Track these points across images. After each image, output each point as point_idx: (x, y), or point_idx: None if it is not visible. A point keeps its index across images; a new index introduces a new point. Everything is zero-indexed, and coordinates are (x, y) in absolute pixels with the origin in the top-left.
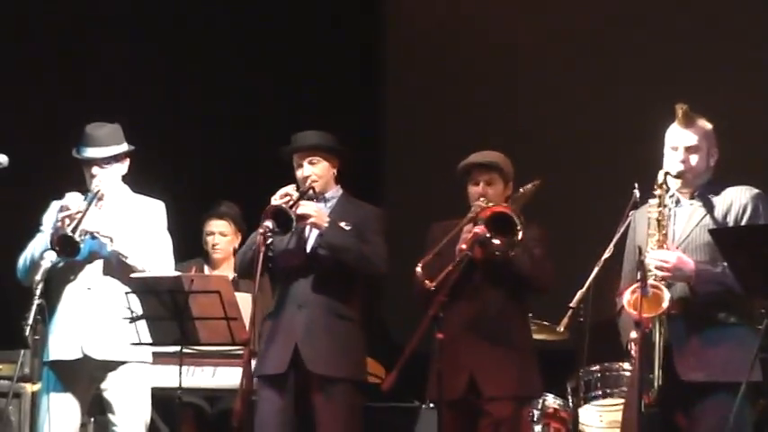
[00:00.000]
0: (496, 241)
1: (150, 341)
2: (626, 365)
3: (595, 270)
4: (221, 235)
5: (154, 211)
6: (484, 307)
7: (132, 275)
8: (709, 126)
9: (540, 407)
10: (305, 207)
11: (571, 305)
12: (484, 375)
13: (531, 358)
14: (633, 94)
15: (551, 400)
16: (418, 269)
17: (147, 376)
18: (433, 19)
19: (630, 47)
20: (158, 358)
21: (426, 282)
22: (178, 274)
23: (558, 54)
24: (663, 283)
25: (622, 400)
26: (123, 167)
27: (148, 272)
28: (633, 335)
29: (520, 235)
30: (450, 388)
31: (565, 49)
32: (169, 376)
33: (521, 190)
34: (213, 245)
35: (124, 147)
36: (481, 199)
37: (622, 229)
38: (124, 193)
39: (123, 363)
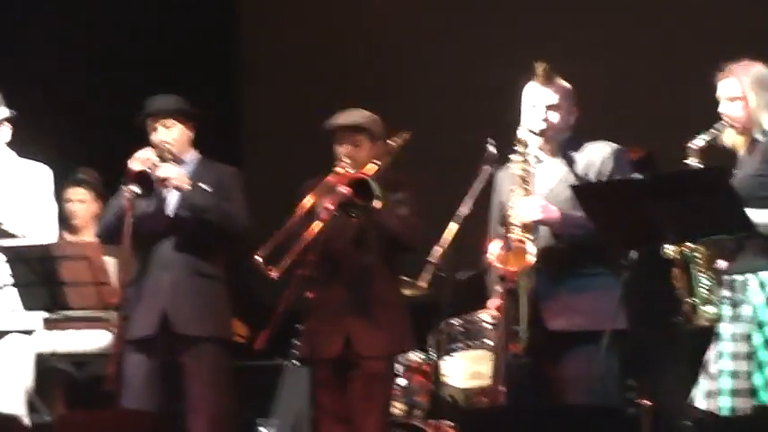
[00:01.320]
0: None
1: (22, 308)
2: (486, 317)
3: (453, 225)
4: (80, 202)
5: (38, 176)
6: (355, 267)
7: (1, 244)
8: (568, 85)
9: (403, 361)
10: (166, 170)
11: (431, 260)
12: (359, 335)
13: (403, 316)
14: (489, 50)
15: (414, 354)
16: (258, 258)
17: (28, 345)
18: None
19: (488, 3)
20: None
21: (269, 270)
22: (48, 241)
23: (417, 10)
24: (527, 236)
25: (484, 352)
26: (5, 133)
27: (18, 239)
28: (499, 288)
29: (377, 202)
30: (325, 347)
31: (423, 5)
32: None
33: (390, 142)
34: (72, 212)
35: (5, 112)
36: (346, 160)
37: (479, 184)
38: (8, 159)
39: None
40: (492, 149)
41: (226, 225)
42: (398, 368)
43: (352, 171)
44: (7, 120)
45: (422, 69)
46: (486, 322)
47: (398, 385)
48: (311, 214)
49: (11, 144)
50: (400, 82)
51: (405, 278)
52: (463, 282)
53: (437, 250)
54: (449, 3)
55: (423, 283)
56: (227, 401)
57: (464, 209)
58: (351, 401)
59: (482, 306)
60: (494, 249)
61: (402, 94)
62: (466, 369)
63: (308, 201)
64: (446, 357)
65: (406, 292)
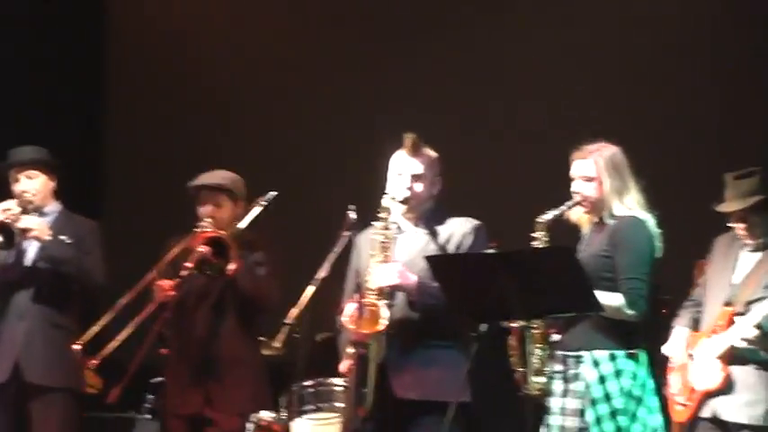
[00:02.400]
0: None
1: None
2: (339, 381)
3: (311, 287)
4: None
5: None
6: (212, 326)
7: None
8: (434, 155)
9: (255, 419)
10: (27, 221)
11: (287, 321)
12: (218, 393)
13: (259, 375)
14: (356, 116)
15: (266, 414)
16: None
17: None
18: (154, 33)
19: (361, 72)
20: None
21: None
22: None
23: (284, 72)
24: (382, 303)
25: (334, 415)
26: None
27: None
28: (350, 350)
29: (232, 264)
30: (182, 404)
31: (289, 68)
32: None
33: (261, 202)
34: None
35: None
36: (207, 220)
37: (338, 249)
38: None
39: None
40: (353, 215)
41: (82, 278)
42: (249, 427)
43: (212, 231)
44: None
45: (288, 132)
46: (338, 385)
47: None
48: (171, 271)
49: None
50: (266, 145)
51: (261, 338)
52: (318, 344)
53: (293, 312)
54: (315, 67)
55: (278, 344)
56: None
57: (322, 272)
58: None
59: (336, 368)
60: (348, 311)
61: (266, 156)
62: (314, 430)
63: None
64: (296, 419)
65: (262, 351)
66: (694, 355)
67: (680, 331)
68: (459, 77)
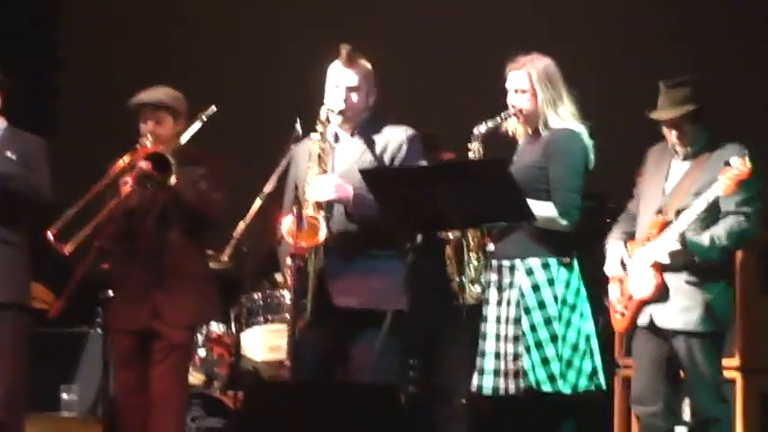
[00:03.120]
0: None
1: None
2: (285, 293)
3: (258, 201)
4: None
5: None
6: (158, 241)
7: None
8: (369, 67)
9: (204, 332)
10: None
11: (234, 235)
12: (165, 306)
13: (207, 287)
14: (297, 30)
15: (215, 326)
16: (49, 236)
17: None
18: None
19: None
20: None
21: (62, 247)
22: None
23: None
24: (321, 213)
25: (283, 326)
26: None
27: None
28: (289, 262)
29: (173, 177)
30: (132, 318)
31: None
32: None
33: (201, 117)
34: None
35: None
36: (149, 137)
37: (284, 163)
38: None
39: None
40: (299, 129)
41: (28, 194)
42: (199, 338)
43: (152, 146)
44: None
45: (230, 48)
46: (285, 297)
47: (198, 356)
48: (113, 189)
49: None
50: (209, 60)
51: (208, 251)
52: (266, 257)
53: (240, 225)
54: None
55: (225, 257)
56: (26, 369)
57: (269, 186)
58: (150, 368)
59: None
60: (286, 224)
61: (211, 72)
62: (265, 342)
63: (108, 177)
64: (246, 330)
65: (210, 264)
66: (630, 264)
67: (613, 246)
68: None
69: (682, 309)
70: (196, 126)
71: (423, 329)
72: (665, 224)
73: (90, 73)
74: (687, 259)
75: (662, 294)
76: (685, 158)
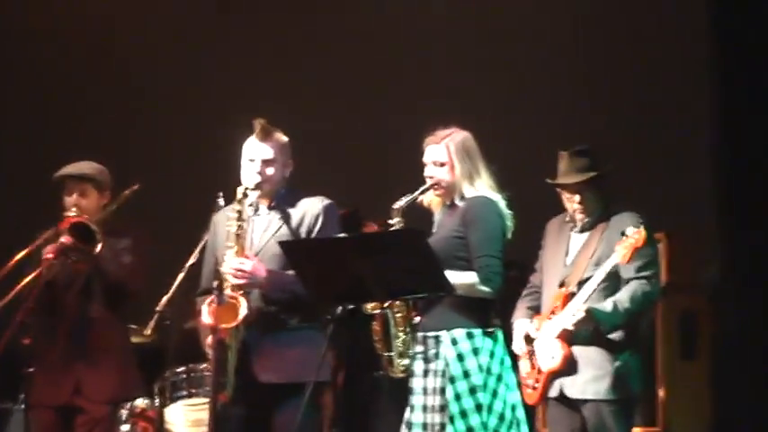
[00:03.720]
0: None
1: None
2: (209, 367)
3: (180, 275)
4: None
5: None
6: (82, 312)
7: None
8: (285, 139)
9: (128, 407)
10: None
11: (158, 308)
12: (88, 380)
13: (129, 362)
14: (219, 104)
15: (139, 401)
16: None
17: None
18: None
19: (216, 57)
20: None
21: None
22: None
23: (149, 56)
24: (240, 292)
25: (207, 400)
26: None
27: None
28: (210, 339)
29: (98, 246)
30: (54, 393)
31: (155, 50)
32: None
33: (125, 193)
34: None
35: None
36: (73, 209)
37: (206, 237)
38: None
39: None
40: (221, 202)
41: None
42: (123, 414)
43: (75, 216)
44: None
45: (153, 122)
46: (209, 370)
47: (122, 431)
48: (34, 261)
49: None
50: (136, 131)
51: (132, 325)
52: (189, 330)
53: (163, 299)
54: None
55: (148, 331)
56: None
57: (191, 259)
58: None
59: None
60: (204, 308)
61: (137, 143)
62: (188, 416)
63: (29, 249)
64: (170, 404)
65: (133, 339)
66: (538, 337)
67: (519, 324)
68: (310, 59)
69: (591, 379)
70: (121, 200)
71: (347, 401)
72: (569, 296)
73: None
74: (591, 327)
75: (570, 365)
76: (583, 230)
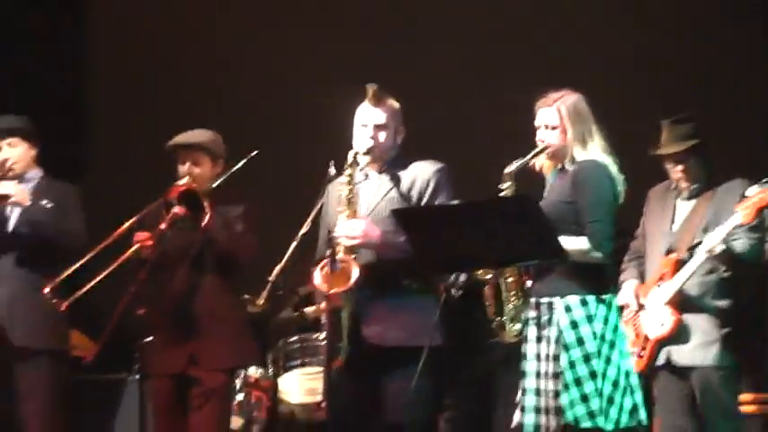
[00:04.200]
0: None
1: None
2: (322, 336)
3: (293, 245)
4: None
5: None
6: (195, 283)
7: None
8: (396, 105)
9: (242, 376)
10: (5, 187)
11: (270, 279)
12: (202, 350)
13: (243, 330)
14: (332, 72)
15: (253, 370)
16: (45, 291)
17: None
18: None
19: (325, 31)
20: None
21: (55, 302)
22: None
23: (263, 35)
24: (352, 256)
25: (320, 369)
26: None
27: None
28: (324, 305)
29: (207, 215)
30: (169, 362)
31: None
32: None
33: (242, 160)
34: None
35: None
36: (185, 178)
37: (319, 205)
38: None
39: None
40: (333, 171)
41: (63, 241)
42: (237, 383)
43: (184, 184)
44: None
45: (266, 90)
46: (322, 340)
47: (236, 400)
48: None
49: None
50: (247, 102)
51: (245, 296)
52: (302, 299)
53: (276, 269)
54: (294, 30)
55: (261, 301)
56: (64, 417)
57: (304, 228)
58: (189, 416)
59: (316, 322)
60: (317, 272)
61: (246, 114)
62: (302, 385)
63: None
64: (283, 374)
65: (247, 309)
66: (645, 304)
67: (629, 284)
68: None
69: (699, 345)
70: (234, 168)
71: (459, 368)
72: (678, 262)
73: (122, 117)
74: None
75: (680, 332)
76: (690, 197)
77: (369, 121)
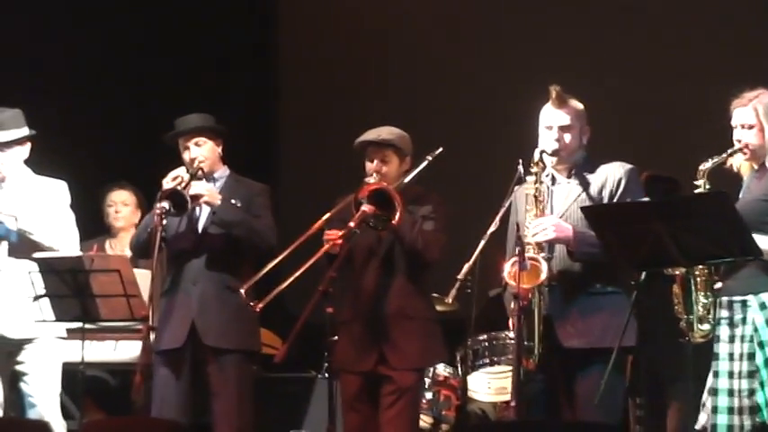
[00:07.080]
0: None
1: (53, 318)
2: (511, 334)
3: (481, 243)
4: (123, 204)
5: (56, 191)
6: (383, 281)
7: (35, 255)
8: (580, 106)
9: (430, 375)
10: (197, 187)
11: (459, 277)
12: (392, 349)
13: (433, 328)
14: (520, 71)
15: (441, 369)
16: (241, 292)
17: (59, 350)
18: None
19: (512, 32)
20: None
21: (251, 304)
22: (79, 254)
23: (452, 36)
24: (542, 255)
25: (509, 368)
26: (24, 151)
27: (51, 252)
28: (513, 305)
29: (397, 214)
30: (359, 361)
31: (457, 33)
32: (72, 351)
33: (427, 157)
34: (116, 212)
35: (25, 131)
36: (373, 175)
37: (507, 204)
38: (26, 176)
39: (38, 338)
40: (521, 170)
41: (253, 240)
42: (426, 381)
43: (376, 182)
44: (28, 138)
45: (455, 89)
46: (511, 338)
47: (425, 398)
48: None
49: (28, 161)
50: (434, 101)
51: (434, 294)
52: (491, 299)
53: (465, 267)
54: (482, 30)
55: (450, 299)
56: (252, 413)
57: (492, 227)
58: (379, 414)
59: (504, 321)
60: (507, 268)
61: (435, 113)
62: (491, 384)
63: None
64: (472, 372)
65: (436, 307)
66: None
67: None
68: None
69: None
70: (422, 166)
71: (649, 368)
72: None
73: (309, 115)
74: None
75: None
76: None
77: (553, 122)
